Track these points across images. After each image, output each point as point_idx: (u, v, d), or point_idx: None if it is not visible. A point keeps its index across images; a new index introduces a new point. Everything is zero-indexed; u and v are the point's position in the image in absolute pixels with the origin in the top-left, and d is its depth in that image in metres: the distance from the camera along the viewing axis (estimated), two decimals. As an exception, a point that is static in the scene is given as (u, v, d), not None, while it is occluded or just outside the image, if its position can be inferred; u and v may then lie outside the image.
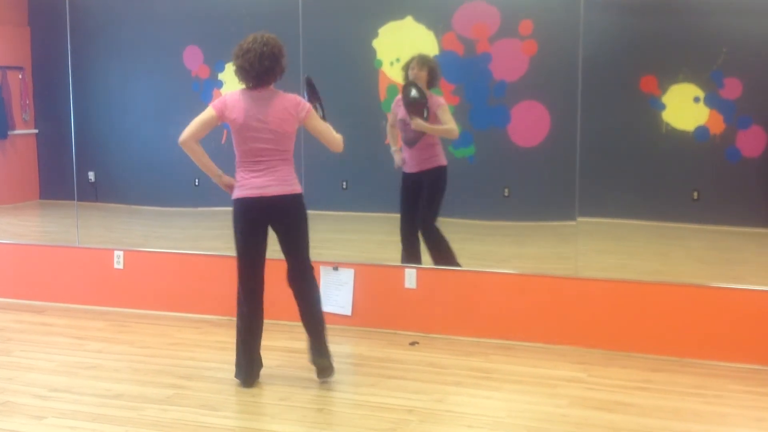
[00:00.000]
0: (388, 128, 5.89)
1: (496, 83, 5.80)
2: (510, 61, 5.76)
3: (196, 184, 6.93)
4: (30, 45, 7.56)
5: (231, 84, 6.46)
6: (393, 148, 5.84)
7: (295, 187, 4.51)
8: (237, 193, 4.52)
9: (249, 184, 4.46)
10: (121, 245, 6.46)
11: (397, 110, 5.69)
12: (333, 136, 4.54)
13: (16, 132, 7.57)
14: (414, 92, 5.52)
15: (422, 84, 5.60)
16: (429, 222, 5.72)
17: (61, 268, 6.47)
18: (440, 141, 5.66)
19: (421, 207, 5.74)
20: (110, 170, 7.18)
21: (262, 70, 4.37)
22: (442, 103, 5.62)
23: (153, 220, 7.19)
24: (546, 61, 5.69)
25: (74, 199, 6.87)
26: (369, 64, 6.06)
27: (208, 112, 4.46)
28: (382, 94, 6.04)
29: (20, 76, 7.52)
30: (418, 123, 5.54)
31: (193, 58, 6.61)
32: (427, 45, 5.90)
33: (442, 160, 5.69)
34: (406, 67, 5.67)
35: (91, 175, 7.06)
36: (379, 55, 6.02)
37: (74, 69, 6.75)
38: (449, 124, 5.57)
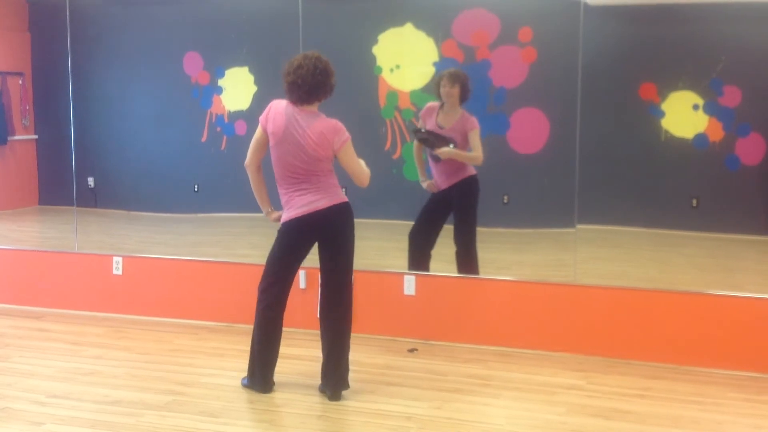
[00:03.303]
0: (414, 149, 5.81)
1: (496, 90, 5.81)
2: (509, 69, 5.76)
3: (195, 190, 6.93)
4: (30, 51, 7.56)
5: (231, 90, 6.50)
6: (421, 179, 5.80)
7: (342, 196, 4.46)
8: (285, 216, 4.46)
9: (296, 203, 4.41)
10: (120, 251, 6.46)
11: (426, 120, 5.65)
12: (361, 171, 4.48)
13: (16, 137, 7.56)
14: (424, 135, 5.57)
15: (454, 100, 5.55)
16: (469, 242, 5.69)
17: (60, 274, 6.46)
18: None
19: (457, 225, 5.70)
20: (109, 176, 7.17)
21: (314, 84, 4.33)
22: (476, 126, 5.54)
23: (152, 226, 7.19)
24: (545, 69, 5.69)
25: (73, 205, 6.87)
26: (369, 71, 6.06)
27: (258, 131, 4.48)
28: (382, 100, 6.05)
29: (20, 82, 7.52)
30: (444, 152, 5.50)
31: (193, 64, 6.62)
32: (426, 52, 5.90)
33: (472, 169, 5.63)
34: (437, 84, 5.62)
35: (91, 181, 7.05)
36: (379, 62, 6.02)
37: (74, 75, 6.76)
38: (476, 151, 5.52)
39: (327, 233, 4.47)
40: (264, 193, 4.60)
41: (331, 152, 4.38)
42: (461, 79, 5.57)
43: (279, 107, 4.41)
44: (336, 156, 4.41)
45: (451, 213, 5.72)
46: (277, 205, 4.57)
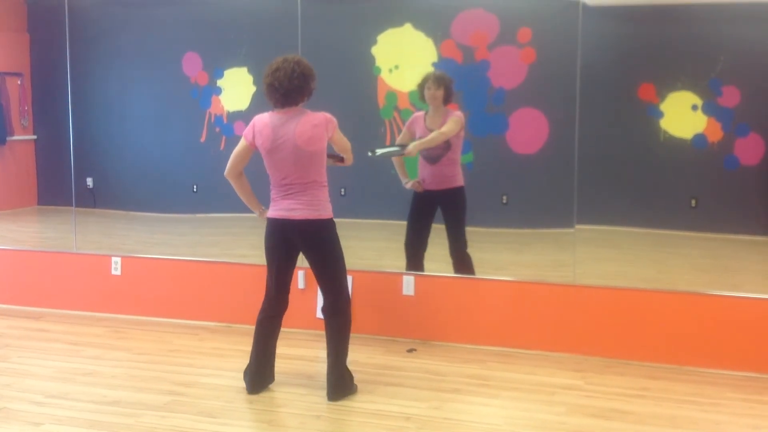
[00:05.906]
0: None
1: (495, 91, 5.81)
2: (508, 69, 5.77)
3: (194, 190, 6.93)
4: (29, 51, 7.57)
5: (230, 91, 6.50)
6: (403, 180, 5.80)
7: (322, 212, 4.45)
8: (268, 213, 4.55)
9: (278, 206, 4.48)
10: (119, 251, 6.46)
11: (415, 128, 5.64)
12: (349, 150, 4.63)
13: (15, 138, 7.57)
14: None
15: (439, 102, 5.56)
16: (463, 248, 5.69)
17: (59, 274, 6.46)
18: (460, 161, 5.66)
19: (450, 233, 5.71)
20: (108, 176, 7.18)
21: (291, 87, 4.35)
22: (455, 114, 5.50)
23: (151, 227, 7.19)
24: (544, 69, 5.70)
25: (72, 205, 6.87)
26: (368, 71, 6.06)
27: (241, 143, 4.51)
28: (381, 101, 6.05)
29: (19, 82, 7.53)
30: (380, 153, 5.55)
31: (191, 65, 6.62)
32: (425, 52, 5.91)
33: (461, 180, 5.65)
34: (422, 87, 5.62)
35: (89, 181, 7.06)
36: (378, 62, 6.03)
37: (73, 75, 6.76)
38: (444, 128, 5.45)
39: (303, 245, 4.52)
40: (251, 195, 4.65)
41: (326, 141, 4.45)
42: (446, 82, 5.57)
43: (263, 121, 4.45)
44: (330, 140, 4.49)
45: (436, 212, 5.73)
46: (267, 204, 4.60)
